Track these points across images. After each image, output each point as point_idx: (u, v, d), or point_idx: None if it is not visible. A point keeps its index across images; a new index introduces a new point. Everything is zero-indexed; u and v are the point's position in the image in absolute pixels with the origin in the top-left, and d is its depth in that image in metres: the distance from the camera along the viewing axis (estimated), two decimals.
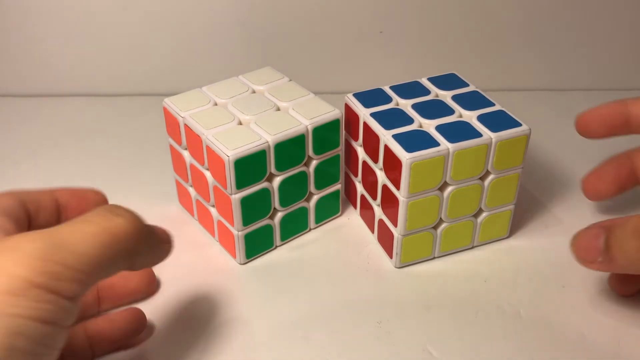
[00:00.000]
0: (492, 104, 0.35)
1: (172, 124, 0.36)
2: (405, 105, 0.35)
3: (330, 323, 0.32)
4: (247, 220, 0.34)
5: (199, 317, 0.32)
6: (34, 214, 0.27)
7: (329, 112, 0.34)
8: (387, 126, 0.33)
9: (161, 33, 0.50)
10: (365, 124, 0.35)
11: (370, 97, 0.36)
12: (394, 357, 0.30)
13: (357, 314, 0.32)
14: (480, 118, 0.34)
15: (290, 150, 0.33)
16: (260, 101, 0.35)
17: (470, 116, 0.34)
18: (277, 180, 0.34)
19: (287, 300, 0.33)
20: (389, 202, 0.34)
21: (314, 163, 0.35)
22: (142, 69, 0.52)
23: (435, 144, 0.32)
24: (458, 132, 0.32)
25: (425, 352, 0.30)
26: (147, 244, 0.25)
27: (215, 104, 0.35)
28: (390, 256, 0.35)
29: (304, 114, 0.34)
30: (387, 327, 0.31)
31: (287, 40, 0.51)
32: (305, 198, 0.36)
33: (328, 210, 0.38)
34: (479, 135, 0.32)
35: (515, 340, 0.31)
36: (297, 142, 0.33)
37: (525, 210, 0.39)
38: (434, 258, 0.36)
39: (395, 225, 0.34)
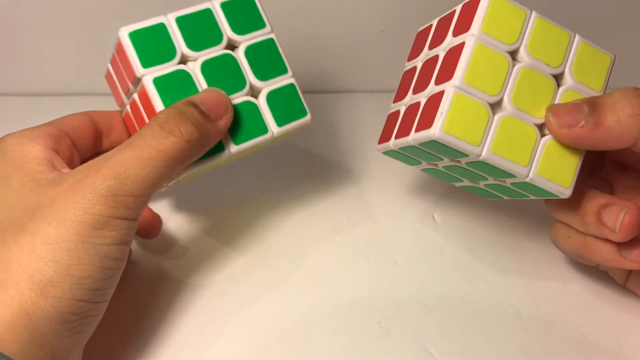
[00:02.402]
0: None
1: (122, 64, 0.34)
2: None
3: (330, 323, 0.32)
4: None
5: (195, 316, 0.32)
6: (105, 132, 0.34)
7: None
8: None
9: None
10: None
11: None
12: (394, 357, 0.30)
13: (357, 314, 0.32)
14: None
15: (199, 26, 0.31)
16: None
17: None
18: (197, 64, 0.31)
19: (287, 300, 0.33)
20: (452, 57, 0.29)
21: (241, 47, 0.33)
22: None
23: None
24: None
25: (425, 352, 0.30)
26: (201, 147, 0.29)
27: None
28: (428, 126, 0.29)
29: None
30: (387, 327, 0.31)
31: (286, 40, 0.51)
32: (247, 91, 0.32)
33: (288, 110, 0.34)
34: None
35: (515, 340, 0.31)
36: (203, 17, 0.32)
37: (527, 212, 0.39)
38: (479, 156, 0.28)
39: (451, 76, 0.29)
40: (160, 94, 0.30)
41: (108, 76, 0.35)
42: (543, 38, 0.29)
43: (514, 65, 0.29)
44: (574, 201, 0.31)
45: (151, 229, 0.35)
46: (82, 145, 0.32)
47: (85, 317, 0.25)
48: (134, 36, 0.30)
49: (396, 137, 0.32)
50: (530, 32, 0.29)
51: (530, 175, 0.29)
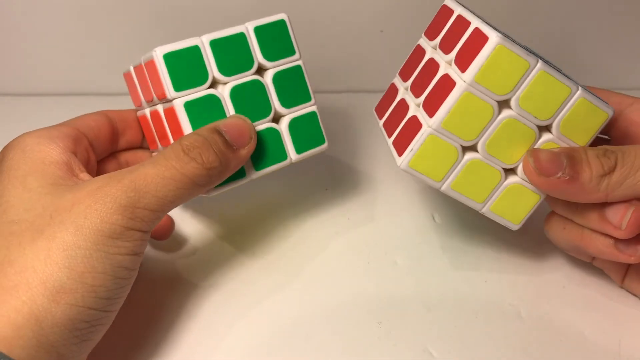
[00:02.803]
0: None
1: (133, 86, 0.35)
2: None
3: (330, 323, 0.32)
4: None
5: (195, 317, 0.32)
6: (121, 131, 0.34)
7: (273, 14, 0.33)
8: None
9: (162, 33, 0.50)
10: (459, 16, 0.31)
11: None
12: (394, 357, 0.30)
13: (357, 314, 0.32)
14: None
15: (232, 50, 0.31)
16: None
17: None
18: (226, 88, 0.32)
19: (287, 300, 0.33)
20: (441, 89, 0.30)
21: (269, 73, 0.33)
22: None
23: (525, 48, 0.29)
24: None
25: (425, 352, 0.30)
26: (222, 175, 0.29)
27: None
28: (400, 154, 0.31)
29: (248, 21, 0.32)
30: (387, 327, 0.31)
31: None
32: (271, 118, 0.33)
33: (308, 138, 0.34)
34: (569, 79, 0.29)
35: (515, 340, 0.31)
36: (237, 41, 0.31)
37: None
38: (438, 190, 0.31)
39: (432, 115, 0.29)
40: (189, 117, 0.31)
41: (128, 76, 0.35)
42: (540, 91, 0.29)
43: (499, 113, 0.29)
44: None
45: (164, 231, 0.35)
46: (99, 146, 0.32)
47: (94, 325, 0.25)
48: (168, 58, 0.30)
49: (383, 125, 0.35)
50: (528, 85, 0.29)
51: (483, 210, 0.32)
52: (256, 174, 0.32)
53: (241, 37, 0.32)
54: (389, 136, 0.33)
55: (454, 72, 0.29)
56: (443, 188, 0.31)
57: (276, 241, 0.37)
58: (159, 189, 0.27)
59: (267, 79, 0.33)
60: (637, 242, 0.30)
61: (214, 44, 0.31)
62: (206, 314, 0.32)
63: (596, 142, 0.34)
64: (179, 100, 0.30)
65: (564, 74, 0.30)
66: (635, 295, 0.33)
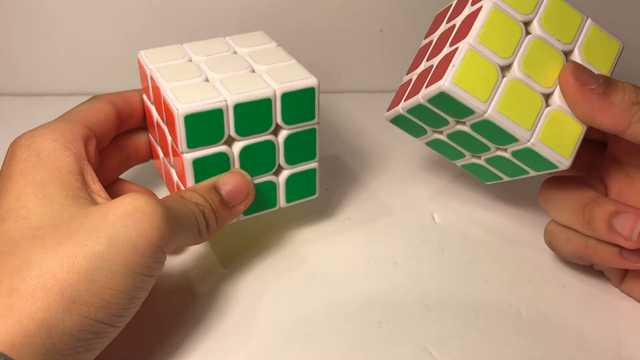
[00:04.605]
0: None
1: (143, 78, 0.34)
2: None
3: (330, 323, 0.32)
4: None
5: (196, 314, 0.32)
6: (125, 119, 0.34)
7: (303, 78, 0.31)
8: None
9: (162, 33, 0.50)
10: None
11: None
12: (394, 357, 0.30)
13: (357, 314, 0.32)
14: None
15: (253, 114, 0.30)
16: (236, 61, 0.33)
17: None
18: (237, 146, 0.31)
19: (287, 300, 0.33)
20: (467, 23, 0.31)
21: (283, 133, 0.32)
22: None
23: None
24: None
25: (425, 352, 0.30)
26: (215, 231, 0.30)
27: (190, 61, 0.33)
28: (439, 79, 0.29)
29: (276, 78, 0.31)
30: (387, 327, 0.31)
31: (286, 39, 0.51)
32: (272, 172, 0.33)
33: (302, 189, 0.35)
34: None
35: (515, 340, 0.31)
36: (261, 106, 0.30)
37: (527, 212, 0.39)
38: (485, 112, 0.29)
39: (465, 36, 0.30)
40: (195, 172, 0.31)
41: (141, 70, 0.35)
42: (557, 15, 0.31)
43: (526, 35, 0.30)
44: (580, 204, 0.31)
45: None
46: (106, 140, 0.33)
47: (101, 337, 0.25)
48: (189, 119, 0.29)
49: (406, 100, 0.33)
50: (545, 7, 0.30)
51: (532, 139, 0.29)
52: (243, 217, 0.33)
53: (266, 102, 0.31)
54: (417, 93, 0.31)
55: (477, 6, 0.30)
56: (490, 111, 0.29)
57: (276, 241, 0.37)
58: (180, 216, 0.28)
59: (280, 138, 0.32)
60: None
61: (238, 107, 0.30)
62: (206, 314, 0.32)
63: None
64: (189, 156, 0.30)
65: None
66: (632, 297, 0.33)
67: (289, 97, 0.31)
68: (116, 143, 0.35)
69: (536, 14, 0.30)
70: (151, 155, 0.38)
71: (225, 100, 0.30)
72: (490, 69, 0.29)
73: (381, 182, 0.42)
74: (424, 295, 0.33)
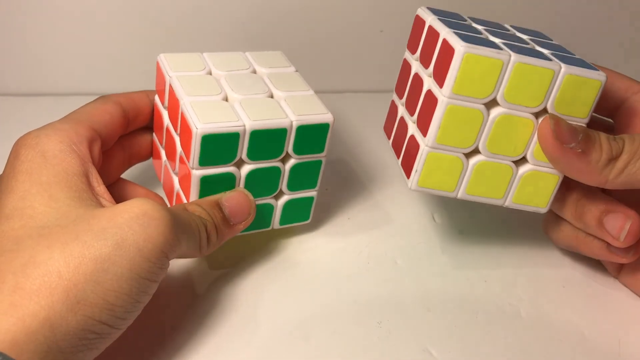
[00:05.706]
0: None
1: (160, 82, 0.34)
2: None
3: (330, 323, 0.32)
4: None
5: (192, 318, 0.32)
6: (132, 120, 0.34)
7: (320, 113, 0.32)
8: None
9: (162, 33, 0.50)
10: None
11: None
12: (394, 357, 0.30)
13: (357, 314, 0.32)
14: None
15: (267, 141, 0.31)
16: (255, 83, 0.33)
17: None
18: (245, 169, 0.32)
19: (287, 300, 0.33)
20: (427, 108, 0.30)
21: (291, 162, 0.33)
22: (143, 68, 0.52)
23: (496, 46, 0.29)
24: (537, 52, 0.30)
25: (425, 352, 0.30)
26: (215, 247, 0.31)
27: (210, 73, 0.34)
28: (408, 176, 0.32)
29: (294, 108, 0.32)
30: (387, 327, 0.31)
31: (286, 39, 0.51)
32: (273, 195, 0.34)
33: (296, 214, 0.36)
34: (547, 59, 0.29)
35: (515, 340, 0.31)
36: (277, 135, 0.31)
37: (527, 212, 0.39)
38: (456, 199, 0.32)
39: (425, 134, 0.30)
40: (201, 188, 0.31)
41: (159, 73, 0.35)
42: (523, 82, 0.29)
43: (489, 114, 0.29)
44: (573, 198, 0.31)
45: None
46: (110, 141, 0.33)
47: (103, 337, 0.25)
48: (206, 139, 0.30)
49: (392, 145, 0.35)
50: (508, 79, 0.29)
51: (507, 203, 0.32)
52: (238, 234, 0.34)
53: (282, 132, 0.31)
54: (397, 157, 0.34)
55: (435, 87, 0.30)
56: (459, 196, 0.31)
57: (276, 241, 0.37)
58: (186, 224, 0.28)
59: (287, 166, 0.33)
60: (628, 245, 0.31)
61: (255, 134, 0.31)
62: (207, 315, 0.32)
63: (600, 125, 0.34)
64: (198, 172, 0.31)
65: (552, 49, 0.31)
66: (629, 288, 0.34)
67: (303, 130, 0.32)
68: (120, 143, 0.35)
69: (498, 91, 0.29)
70: (152, 153, 0.38)
71: (244, 125, 0.30)
72: (455, 161, 0.30)
73: (381, 183, 0.42)
74: (424, 295, 0.33)
